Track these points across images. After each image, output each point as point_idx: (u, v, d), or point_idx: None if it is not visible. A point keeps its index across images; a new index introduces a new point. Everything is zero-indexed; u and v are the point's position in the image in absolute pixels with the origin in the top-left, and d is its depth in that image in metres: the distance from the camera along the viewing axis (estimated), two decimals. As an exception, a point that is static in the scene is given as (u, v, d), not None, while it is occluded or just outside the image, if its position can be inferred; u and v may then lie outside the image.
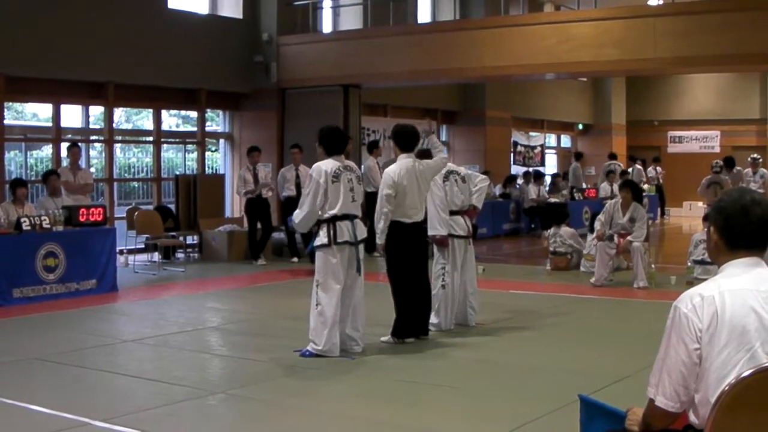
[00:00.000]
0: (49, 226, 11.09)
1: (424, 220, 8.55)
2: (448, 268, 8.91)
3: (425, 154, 8.68)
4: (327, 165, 7.72)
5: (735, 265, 3.01)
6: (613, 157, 24.58)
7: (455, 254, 8.97)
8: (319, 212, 7.63)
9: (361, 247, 7.87)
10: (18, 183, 12.30)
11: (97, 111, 16.23)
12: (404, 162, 8.32)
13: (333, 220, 7.61)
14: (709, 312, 2.89)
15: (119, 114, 19.23)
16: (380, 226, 8.18)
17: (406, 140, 8.48)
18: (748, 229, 3.01)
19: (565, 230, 14.12)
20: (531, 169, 23.01)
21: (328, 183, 7.61)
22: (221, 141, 18.69)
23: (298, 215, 7.76)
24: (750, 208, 3.01)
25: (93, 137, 16.37)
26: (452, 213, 8.94)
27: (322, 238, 7.64)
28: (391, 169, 8.29)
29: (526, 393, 6.63)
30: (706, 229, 3.21)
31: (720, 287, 2.93)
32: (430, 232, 8.70)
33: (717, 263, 3.11)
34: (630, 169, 24.59)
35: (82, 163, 14.60)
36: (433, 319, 8.74)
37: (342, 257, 7.66)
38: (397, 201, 8.19)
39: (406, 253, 8.31)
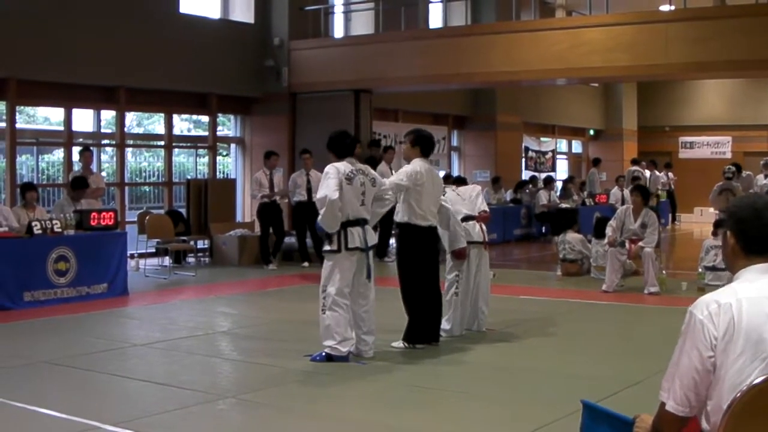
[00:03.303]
0: (60, 230, 11.11)
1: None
2: (462, 276, 8.90)
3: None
4: (340, 165, 7.72)
5: (751, 272, 2.98)
6: (635, 162, 24.49)
7: (470, 260, 8.96)
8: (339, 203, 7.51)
9: (371, 253, 7.86)
10: (28, 187, 12.35)
11: (108, 115, 16.28)
12: (423, 164, 8.33)
13: (344, 225, 7.59)
14: (726, 320, 2.85)
15: (131, 118, 19.30)
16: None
17: (429, 147, 8.49)
18: (763, 233, 2.98)
19: (573, 236, 14.05)
20: (544, 175, 22.99)
21: (342, 182, 7.59)
22: (232, 145, 18.72)
23: (320, 207, 7.58)
24: (763, 212, 2.98)
25: (104, 141, 16.42)
26: (466, 219, 8.93)
27: (332, 243, 7.61)
28: (416, 164, 8.29)
29: (537, 398, 6.61)
30: (720, 234, 3.17)
31: (737, 294, 2.89)
32: (454, 246, 8.71)
33: (732, 269, 3.07)
34: (648, 174, 24.60)
35: (94, 167, 14.63)
36: (444, 324, 8.72)
37: (351, 263, 7.65)
38: (416, 199, 8.19)
39: (420, 258, 8.29)
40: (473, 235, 8.96)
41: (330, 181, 7.52)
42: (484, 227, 9.16)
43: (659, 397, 3.00)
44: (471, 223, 8.99)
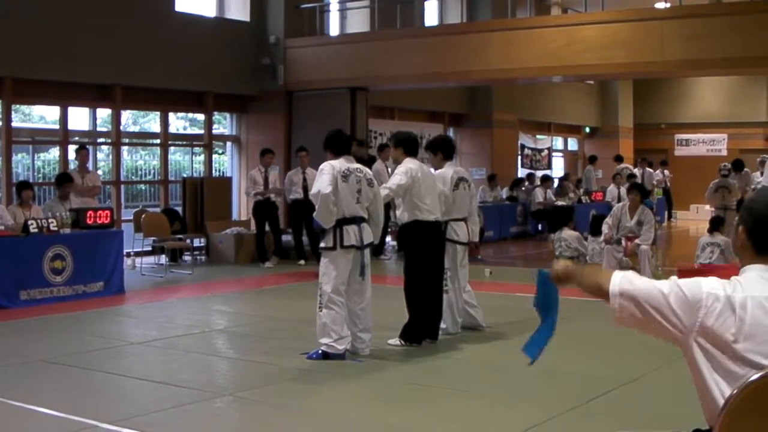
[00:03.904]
0: (56, 228, 11.10)
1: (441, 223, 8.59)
2: (450, 274, 8.91)
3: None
4: (336, 163, 7.75)
5: (757, 270, 2.90)
6: (619, 159, 24.37)
7: (456, 260, 8.96)
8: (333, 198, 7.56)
9: (367, 251, 7.87)
10: (23, 185, 12.33)
11: (104, 113, 16.27)
12: (414, 162, 8.45)
13: (340, 223, 7.62)
14: (726, 311, 2.79)
15: (126, 116, 19.26)
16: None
17: (413, 146, 8.65)
18: None
19: (569, 234, 14.05)
20: (542, 173, 23.00)
21: (338, 179, 7.62)
22: (228, 144, 18.71)
23: (315, 202, 7.67)
24: None
25: (100, 140, 16.41)
26: (457, 220, 8.95)
27: (328, 241, 7.65)
28: (406, 163, 8.41)
29: (535, 396, 6.62)
30: (735, 224, 3.10)
31: (744, 291, 2.82)
32: None
33: (741, 262, 3.01)
34: (640, 171, 24.55)
35: (90, 165, 14.62)
36: (440, 324, 8.73)
37: (347, 261, 7.67)
38: (417, 195, 8.26)
39: (427, 254, 8.33)
40: (460, 234, 8.97)
41: (324, 177, 7.59)
42: (469, 229, 9.15)
43: (613, 279, 3.06)
44: (460, 223, 9.01)
